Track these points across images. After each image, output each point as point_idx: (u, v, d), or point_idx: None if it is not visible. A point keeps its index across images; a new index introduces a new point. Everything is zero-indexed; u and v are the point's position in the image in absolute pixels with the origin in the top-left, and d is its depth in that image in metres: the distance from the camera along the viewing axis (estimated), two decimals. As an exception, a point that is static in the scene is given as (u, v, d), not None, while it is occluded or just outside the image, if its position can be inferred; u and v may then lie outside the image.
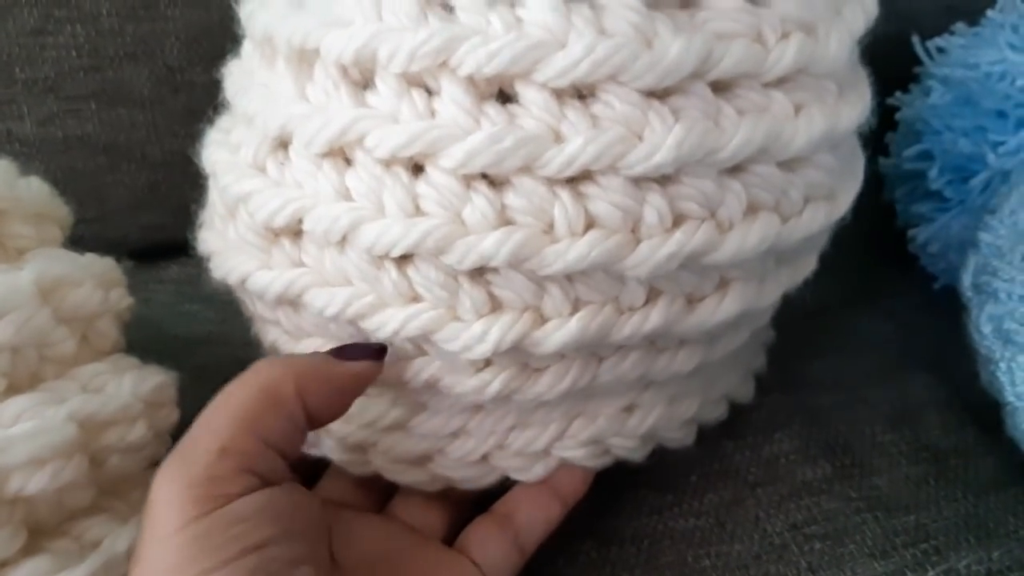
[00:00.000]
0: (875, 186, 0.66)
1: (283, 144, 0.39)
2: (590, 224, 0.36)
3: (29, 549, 0.36)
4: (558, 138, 0.35)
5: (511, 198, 0.35)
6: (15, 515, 0.36)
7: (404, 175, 0.36)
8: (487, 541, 0.43)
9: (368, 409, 0.42)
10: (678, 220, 0.36)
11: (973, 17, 0.63)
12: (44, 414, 0.37)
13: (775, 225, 0.38)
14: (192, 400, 0.42)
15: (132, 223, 0.64)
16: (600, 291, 0.37)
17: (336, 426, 0.43)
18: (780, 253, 0.41)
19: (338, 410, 0.38)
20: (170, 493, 0.33)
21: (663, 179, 0.36)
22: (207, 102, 0.45)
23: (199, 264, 0.62)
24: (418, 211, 0.36)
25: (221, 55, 0.45)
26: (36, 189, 0.46)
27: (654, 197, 0.36)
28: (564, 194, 0.35)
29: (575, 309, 0.37)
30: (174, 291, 0.57)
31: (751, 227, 0.37)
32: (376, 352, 0.39)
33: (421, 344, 0.39)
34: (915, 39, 0.63)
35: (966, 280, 0.50)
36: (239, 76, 0.43)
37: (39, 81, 0.60)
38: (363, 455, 0.43)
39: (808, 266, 0.44)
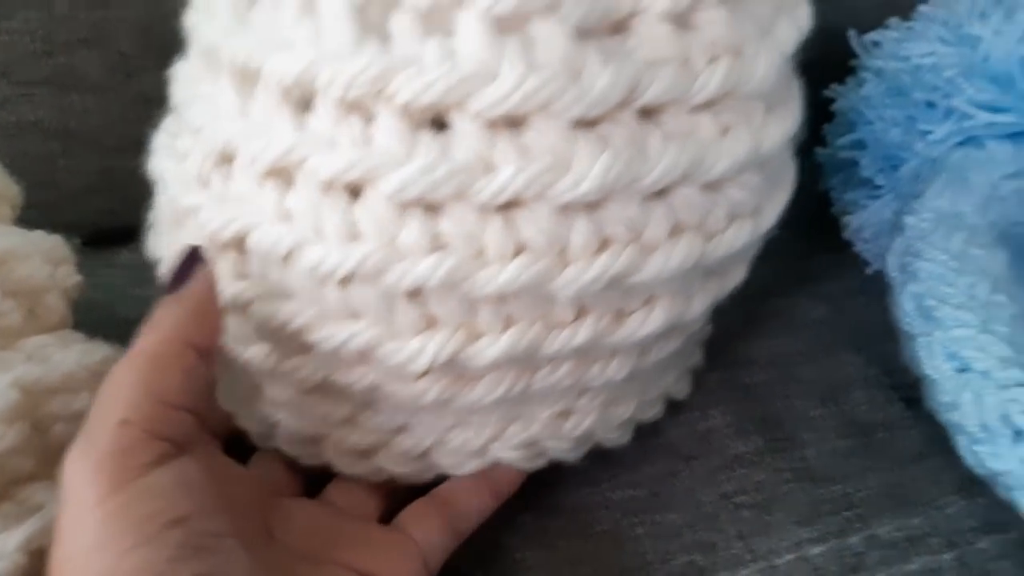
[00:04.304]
0: (813, 175, 0.68)
1: (227, 158, 0.40)
2: (520, 248, 0.37)
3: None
4: (490, 167, 0.36)
5: (444, 224, 0.37)
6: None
7: (342, 199, 0.37)
8: (424, 520, 0.44)
9: (321, 406, 0.44)
10: (604, 243, 0.38)
11: (909, 12, 0.65)
12: (-13, 380, 0.38)
13: (699, 244, 0.40)
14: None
15: (85, 208, 0.65)
16: (531, 309, 0.39)
17: (290, 421, 0.45)
18: (707, 268, 0.42)
19: (218, 328, 0.39)
20: (81, 472, 0.33)
21: (590, 204, 0.37)
22: (160, 89, 0.46)
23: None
24: (356, 234, 0.37)
25: (174, 42, 0.45)
26: (-17, 166, 0.46)
27: (581, 223, 0.37)
28: (495, 220, 0.37)
29: (507, 326, 0.39)
30: (126, 275, 0.58)
31: (675, 248, 0.39)
32: (195, 256, 0.39)
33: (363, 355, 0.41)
34: (852, 33, 0.64)
35: (892, 261, 0.53)
36: (185, 82, 0.44)
37: (-8, 66, 0.61)
38: (315, 447, 0.45)
39: (737, 276, 0.45)
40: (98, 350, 0.44)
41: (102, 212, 0.63)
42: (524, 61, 0.35)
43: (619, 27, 0.38)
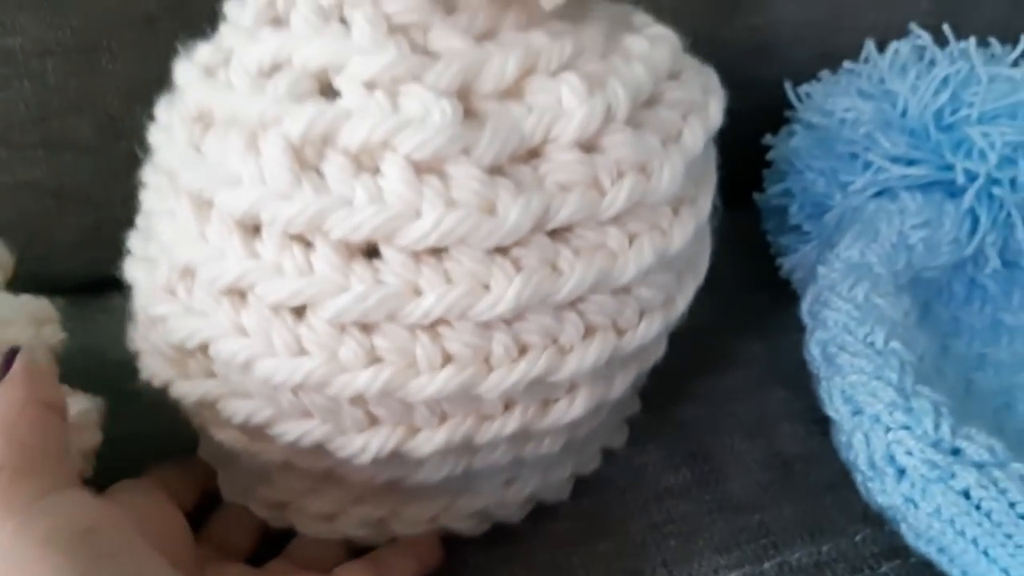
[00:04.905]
0: (754, 218, 0.72)
1: (190, 273, 0.44)
2: (447, 359, 0.42)
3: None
4: (416, 291, 0.40)
5: (379, 340, 0.41)
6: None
7: (289, 319, 0.41)
8: (355, 571, 0.49)
9: (287, 479, 0.49)
10: (523, 350, 0.42)
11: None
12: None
13: (611, 341, 0.44)
14: (130, 419, 0.49)
15: (79, 259, 0.69)
16: (462, 406, 0.43)
17: (261, 488, 0.50)
18: (623, 357, 0.46)
19: (51, 385, 0.42)
20: None
21: (508, 318, 0.42)
22: (146, 147, 0.50)
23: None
24: (302, 350, 0.42)
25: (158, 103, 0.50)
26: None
27: (500, 335, 0.42)
28: (423, 337, 0.41)
29: (442, 421, 0.44)
30: (117, 319, 0.62)
31: (589, 348, 0.43)
32: (12, 353, 0.42)
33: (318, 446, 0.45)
34: (787, 84, 0.68)
35: (804, 308, 0.56)
36: (154, 193, 0.48)
37: (-11, 132, 0.65)
38: (282, 512, 0.50)
39: (657, 353, 0.50)
40: (78, 402, 0.48)
41: (95, 262, 0.65)
42: (443, 200, 0.40)
43: (533, 154, 0.42)
